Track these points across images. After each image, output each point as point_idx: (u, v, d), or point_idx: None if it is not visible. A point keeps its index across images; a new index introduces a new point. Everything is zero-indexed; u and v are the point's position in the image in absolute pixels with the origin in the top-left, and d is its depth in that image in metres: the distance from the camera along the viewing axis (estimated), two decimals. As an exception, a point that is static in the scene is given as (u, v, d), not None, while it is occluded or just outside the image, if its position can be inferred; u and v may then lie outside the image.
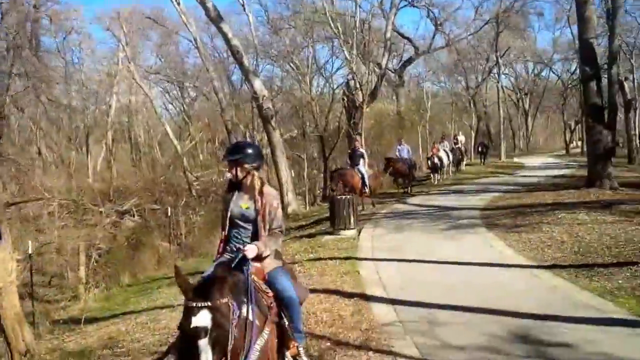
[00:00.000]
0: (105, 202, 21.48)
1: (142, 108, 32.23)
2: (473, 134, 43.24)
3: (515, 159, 42.73)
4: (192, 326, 3.38)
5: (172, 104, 37.69)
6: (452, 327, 7.30)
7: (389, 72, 36.94)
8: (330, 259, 12.10)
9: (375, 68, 29.83)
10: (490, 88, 53.13)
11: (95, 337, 9.26)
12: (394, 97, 42.61)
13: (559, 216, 14.83)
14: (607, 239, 11.92)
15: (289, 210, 21.89)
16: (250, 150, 4.76)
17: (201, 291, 3.50)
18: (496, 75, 48.34)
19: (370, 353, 6.54)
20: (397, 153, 24.51)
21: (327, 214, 16.88)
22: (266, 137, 23.73)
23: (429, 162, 27.75)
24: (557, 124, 67.94)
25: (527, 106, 62.18)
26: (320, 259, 12.22)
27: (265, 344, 4.01)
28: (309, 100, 28.27)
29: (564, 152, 52.80)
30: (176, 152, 29.21)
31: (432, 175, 27.76)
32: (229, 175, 4.77)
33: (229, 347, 3.47)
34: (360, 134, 25.05)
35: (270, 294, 4.47)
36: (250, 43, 28.17)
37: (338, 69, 38.23)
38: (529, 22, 50.97)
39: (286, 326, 4.53)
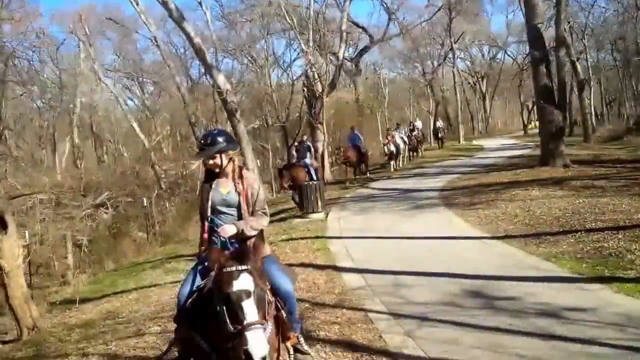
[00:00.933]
0: (79, 197, 22.38)
1: (105, 105, 32.87)
2: (432, 119, 44.45)
3: (474, 142, 44.21)
4: (235, 289, 3.62)
5: (132, 100, 38.39)
6: (414, 289, 8.46)
7: (346, 61, 37.96)
8: (302, 238, 13.30)
9: (332, 58, 30.82)
10: (447, 72, 54.52)
11: (94, 312, 10.26)
12: (352, 86, 43.69)
13: (513, 193, 16.20)
14: (556, 211, 13.23)
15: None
16: (228, 137, 4.86)
17: (238, 256, 3.81)
18: (452, 60, 49.81)
19: (344, 310, 7.70)
20: (349, 141, 25.28)
21: (292, 201, 18.36)
22: (230, 129, 24.67)
23: (385, 149, 28.49)
24: (515, 105, 69.80)
25: (484, 89, 63.83)
26: (292, 239, 13.39)
27: (270, 334, 4.03)
28: (269, 91, 29.25)
29: (522, 133, 54.49)
30: (143, 147, 30.08)
31: (389, 163, 28.56)
32: (211, 162, 4.74)
33: (267, 309, 3.80)
34: (321, 123, 26.18)
35: (268, 286, 4.33)
36: (208, 38, 28.97)
37: (295, 59, 39.22)
38: (482, 6, 52.41)
39: (284, 318, 4.55)
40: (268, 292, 3.87)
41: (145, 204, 21.83)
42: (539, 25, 22.17)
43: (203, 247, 4.78)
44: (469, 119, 62.61)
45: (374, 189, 21.43)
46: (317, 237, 13.27)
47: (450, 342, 6.26)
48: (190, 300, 4.40)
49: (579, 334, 6.19)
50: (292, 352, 4.73)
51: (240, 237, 4.58)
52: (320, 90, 25.89)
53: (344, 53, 30.77)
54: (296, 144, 21.43)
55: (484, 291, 8.07)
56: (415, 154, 33.51)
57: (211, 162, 4.72)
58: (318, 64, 26.74)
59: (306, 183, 16.84)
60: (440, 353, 6.04)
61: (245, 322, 3.56)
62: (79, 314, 10.68)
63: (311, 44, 26.64)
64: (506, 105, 78.00)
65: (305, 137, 21.46)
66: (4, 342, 10.26)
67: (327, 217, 16.06)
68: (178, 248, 16.25)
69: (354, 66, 41.19)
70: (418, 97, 52.77)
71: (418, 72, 52.34)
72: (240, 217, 4.70)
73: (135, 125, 30.12)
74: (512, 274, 8.84)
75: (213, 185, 4.76)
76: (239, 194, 4.72)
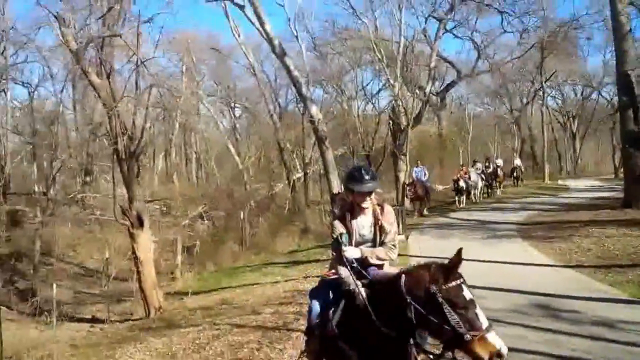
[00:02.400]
0: (180, 207, 25.23)
1: (199, 126, 35.70)
2: (516, 156, 44.90)
3: (560, 182, 44.33)
4: (469, 298, 4.06)
5: (222, 123, 41.19)
6: (488, 300, 9.94)
7: (431, 95, 39.33)
8: (384, 258, 15.07)
9: (418, 92, 32.40)
10: (535, 110, 54.65)
11: (208, 300, 12.49)
12: (436, 119, 45.01)
13: (590, 230, 17.42)
14: (630, 248, 14.45)
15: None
16: (375, 176, 5.01)
17: (454, 271, 4.19)
18: (542, 97, 49.94)
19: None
20: (414, 175, 26.19)
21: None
22: (316, 155, 26.94)
23: (454, 184, 28.93)
24: (607, 147, 68.70)
25: (574, 129, 63.47)
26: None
27: None
28: (355, 122, 31.30)
29: (613, 175, 53.91)
30: (235, 167, 32.87)
31: (456, 198, 28.89)
32: (366, 199, 4.89)
33: None
34: (404, 154, 27.89)
35: None
36: (301, 68, 31.28)
37: (380, 90, 40.83)
38: (577, 46, 51.99)
39: None
40: None
41: (242, 217, 24.35)
42: (630, 72, 23.13)
43: (333, 271, 5.01)
44: (556, 158, 62.45)
45: (452, 218, 22.96)
46: (399, 255, 15.03)
47: (518, 338, 7.84)
48: (334, 316, 4.69)
49: (626, 338, 7.74)
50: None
51: (362, 263, 4.86)
52: (405, 123, 27.60)
53: (430, 88, 32.26)
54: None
55: (549, 304, 9.64)
56: (490, 190, 33.62)
57: (367, 198, 4.90)
58: (404, 98, 28.44)
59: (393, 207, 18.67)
60: (510, 344, 7.69)
61: (484, 327, 3.93)
62: (193, 301, 12.90)
63: (399, 77, 28.32)
64: (598, 146, 76.83)
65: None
66: (133, 320, 12.61)
67: (407, 239, 17.84)
68: (270, 257, 18.39)
69: (439, 100, 42.24)
70: (503, 134, 53.26)
71: (505, 108, 52.78)
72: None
73: (230, 146, 32.77)
74: (576, 294, 10.37)
75: (353, 224, 4.94)
76: (375, 230, 4.98)
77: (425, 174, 26.53)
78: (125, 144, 13.42)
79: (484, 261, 13.76)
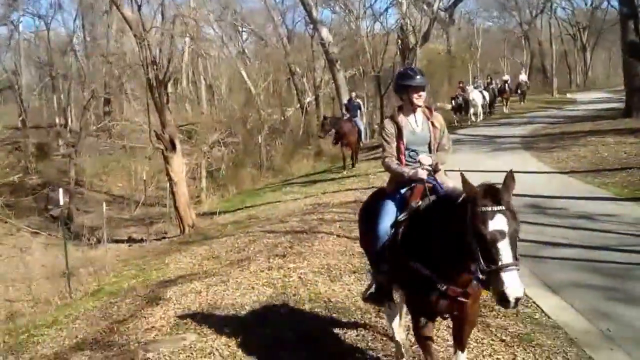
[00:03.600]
0: (199, 133, 26.92)
1: (207, 52, 36.42)
2: (522, 72, 45.63)
3: (568, 95, 45.38)
4: (490, 229, 3.66)
5: (230, 48, 41.99)
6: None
7: (440, 11, 39.91)
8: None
9: (426, 9, 33.16)
10: (545, 23, 54.93)
11: (236, 216, 14.26)
12: (445, 36, 45.79)
13: (589, 140, 19.02)
14: (622, 154, 16.09)
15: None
16: (424, 74, 5.07)
17: (496, 196, 3.76)
18: (551, 9, 50.19)
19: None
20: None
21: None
22: (326, 77, 28.26)
23: (453, 102, 29.26)
24: (619, 58, 68.87)
25: (584, 40, 63.81)
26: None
27: None
28: (364, 41, 32.38)
29: (623, 87, 54.51)
30: (247, 92, 34.25)
31: (453, 115, 29.12)
32: (419, 96, 4.92)
33: (517, 250, 3.71)
34: (414, 73, 29.09)
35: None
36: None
37: (387, 8, 41.27)
38: None
39: None
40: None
41: (258, 142, 26.03)
42: (631, -19, 23.98)
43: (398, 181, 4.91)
44: (566, 72, 63.13)
45: (459, 134, 24.40)
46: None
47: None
48: (399, 230, 4.59)
49: (600, 227, 9.37)
50: None
51: (433, 170, 4.88)
52: (413, 42, 28.71)
53: (438, 4, 32.96)
54: (345, 101, 21.63)
55: (539, 204, 11.22)
56: (491, 109, 33.47)
57: (420, 94, 4.93)
58: (412, 16, 29.35)
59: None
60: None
61: (500, 263, 3.62)
62: (223, 219, 14.69)
63: None
64: (610, 57, 77.19)
65: (354, 95, 21.60)
66: (169, 237, 14.44)
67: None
68: (288, 178, 20.12)
69: (447, 17, 42.91)
70: (513, 49, 53.84)
71: (515, 21, 53.06)
72: (430, 154, 4.98)
73: (243, 71, 34.04)
74: (565, 194, 11.98)
75: (403, 123, 4.95)
76: (429, 132, 4.99)
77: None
78: (156, 73, 14.86)
79: (486, 171, 15.28)
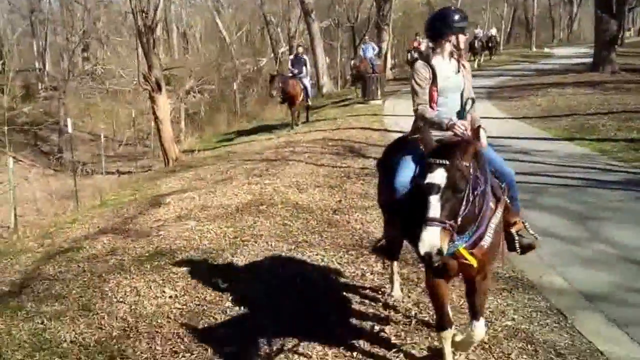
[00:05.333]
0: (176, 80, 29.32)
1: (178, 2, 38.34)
2: (492, 26, 47.07)
3: (546, 49, 47.75)
4: (426, 181, 3.76)
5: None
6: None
7: None
8: (362, 115, 19.38)
9: None
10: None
11: (216, 153, 16.77)
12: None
13: (549, 90, 21.73)
14: (573, 103, 18.81)
15: (324, 90, 29.30)
16: (466, 17, 4.99)
17: (442, 150, 3.85)
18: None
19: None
20: (362, 53, 25.28)
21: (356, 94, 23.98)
22: (301, 28, 30.43)
23: (409, 55, 29.87)
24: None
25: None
26: (355, 115, 19.55)
27: (499, 223, 4.32)
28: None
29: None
30: (221, 42, 36.52)
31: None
32: (463, 44, 4.96)
33: (461, 212, 3.77)
34: (388, 25, 31.55)
35: (481, 187, 4.28)
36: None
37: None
38: None
39: (507, 203, 4.69)
40: (471, 196, 3.85)
41: (234, 89, 28.42)
42: None
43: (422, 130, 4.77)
44: (550, 26, 65.36)
45: None
46: (374, 114, 19.37)
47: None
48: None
49: (533, 159, 11.95)
50: (516, 237, 4.92)
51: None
52: (389, -7, 30.97)
53: None
54: (291, 57, 21.13)
55: (494, 145, 13.81)
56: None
57: (463, 37, 4.94)
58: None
59: (369, 75, 22.65)
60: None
61: (426, 216, 3.69)
62: (202, 155, 17.22)
63: None
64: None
65: (301, 50, 21.14)
66: (154, 170, 16.94)
67: (384, 103, 22.05)
68: (260, 126, 22.61)
69: None
70: (496, 1, 55.55)
71: None
72: (461, 102, 4.90)
73: (218, 20, 36.16)
74: (511, 135, 14.55)
75: (437, 68, 4.85)
76: (463, 77, 4.92)
77: (374, 49, 25.52)
78: (144, 20, 17.20)
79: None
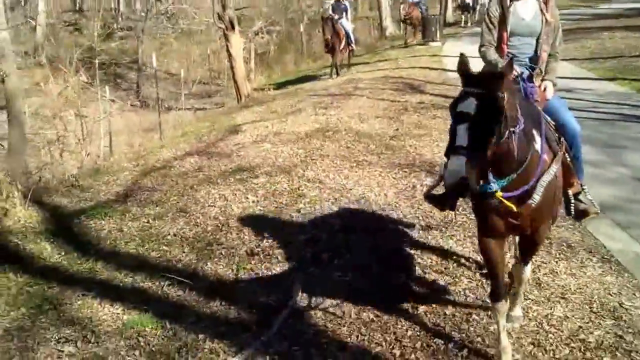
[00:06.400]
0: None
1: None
2: None
3: (606, -5, 46.93)
4: (456, 109, 3.53)
5: None
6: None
7: None
8: (422, 56, 20.22)
9: None
10: None
11: (284, 90, 17.94)
12: None
13: (601, 34, 22.01)
14: (621, 45, 19.20)
15: (387, 32, 30.00)
16: None
17: (475, 79, 3.60)
18: None
19: (446, 86, 14.55)
20: None
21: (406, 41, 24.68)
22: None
23: (459, 0, 30.44)
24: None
25: None
26: (415, 56, 20.36)
27: (552, 180, 3.99)
28: None
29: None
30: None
31: (462, 16, 30.36)
32: None
33: (492, 143, 3.45)
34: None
35: (553, 125, 4.40)
36: None
37: None
38: None
39: (567, 162, 4.46)
40: (504, 127, 3.49)
41: (300, 30, 29.45)
42: None
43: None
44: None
45: (465, 33, 27.28)
46: (433, 55, 20.18)
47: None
48: None
49: (575, 96, 12.65)
50: (573, 200, 4.71)
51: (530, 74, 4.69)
52: None
53: None
54: (332, 2, 19.87)
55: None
56: None
57: None
58: None
59: (425, 16, 23.20)
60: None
61: (454, 145, 3.49)
62: (272, 92, 18.44)
63: None
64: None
65: None
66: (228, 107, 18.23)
67: (443, 45, 22.76)
68: (325, 64, 23.59)
69: None
70: None
71: None
72: (536, 49, 4.70)
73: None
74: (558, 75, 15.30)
75: (511, 8, 4.66)
76: (541, 23, 4.65)
77: None
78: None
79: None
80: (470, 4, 29.37)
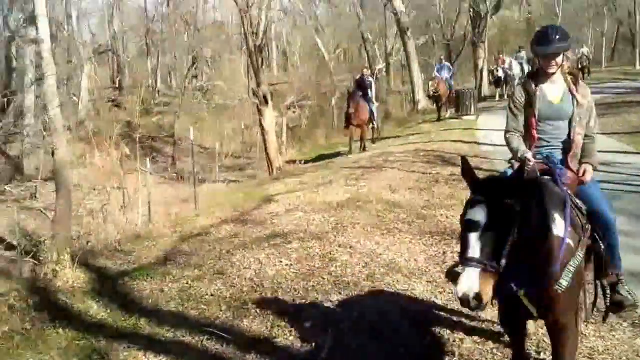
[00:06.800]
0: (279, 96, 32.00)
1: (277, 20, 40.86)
2: (584, 45, 45.71)
3: (650, 67, 47.51)
4: (465, 218, 3.58)
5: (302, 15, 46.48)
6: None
7: None
8: (455, 129, 20.99)
9: None
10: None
11: (316, 163, 18.74)
12: (525, 3, 48.69)
13: (641, 108, 22.60)
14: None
15: (419, 107, 31.02)
16: (564, 35, 4.63)
17: (486, 185, 3.68)
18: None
19: (480, 159, 15.16)
20: (437, 73, 25.67)
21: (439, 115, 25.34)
22: (398, 45, 32.30)
23: (490, 75, 30.57)
24: None
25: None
26: (447, 130, 21.13)
27: (579, 265, 4.00)
28: (436, 9, 36.46)
29: None
30: (320, 59, 38.99)
31: (496, 90, 30.60)
32: (550, 69, 4.67)
33: (505, 253, 3.47)
34: (483, 42, 32.96)
35: (584, 211, 4.40)
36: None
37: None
38: None
39: (601, 250, 4.49)
40: (517, 233, 3.52)
41: (332, 104, 30.70)
42: None
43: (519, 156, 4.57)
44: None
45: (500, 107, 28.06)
46: (467, 129, 20.94)
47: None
48: None
49: (613, 170, 13.05)
50: (608, 291, 4.69)
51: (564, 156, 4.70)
52: (484, 11, 32.44)
53: None
54: (357, 77, 20.56)
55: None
56: None
57: (552, 62, 4.64)
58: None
59: (459, 91, 24.13)
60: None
61: (464, 256, 3.54)
62: (303, 165, 19.25)
63: None
64: None
65: (366, 72, 21.05)
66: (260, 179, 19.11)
67: (477, 118, 23.55)
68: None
69: None
70: (597, 17, 55.02)
71: None
72: (569, 133, 4.70)
73: (317, 39, 38.54)
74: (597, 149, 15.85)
75: (538, 92, 4.70)
76: (572, 105, 4.67)
77: (450, 70, 26.37)
78: (254, 40, 19.54)
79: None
80: (502, 78, 29.66)
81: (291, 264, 8.45)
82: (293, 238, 9.50)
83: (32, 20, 25.42)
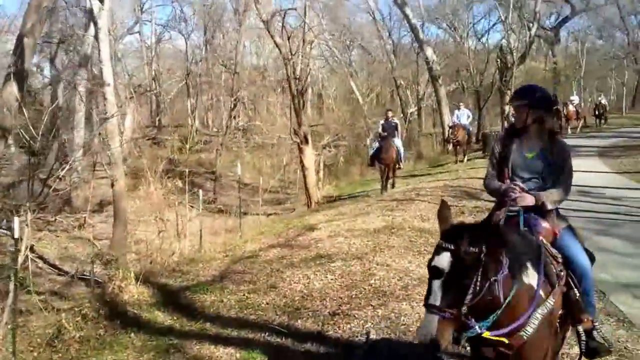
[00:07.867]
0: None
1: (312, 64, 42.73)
2: (601, 94, 44.83)
3: (669, 115, 48.06)
4: (431, 264, 3.65)
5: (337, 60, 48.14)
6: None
7: (546, 30, 43.89)
8: (481, 167, 21.72)
9: (531, 25, 37.06)
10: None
11: (352, 197, 19.81)
12: (550, 54, 49.67)
13: (658, 152, 23.46)
14: (678, 163, 20.66)
15: (449, 147, 32.07)
16: (539, 94, 4.83)
17: (451, 233, 3.71)
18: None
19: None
20: (455, 119, 26.28)
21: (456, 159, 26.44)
22: (429, 90, 33.66)
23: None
24: None
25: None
26: (473, 168, 22.23)
27: (548, 313, 4.07)
28: (467, 58, 37.79)
29: None
30: (354, 102, 40.47)
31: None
32: (516, 121, 4.91)
33: (467, 301, 3.56)
34: (510, 89, 33.86)
35: (560, 259, 4.47)
36: (415, 9, 37.77)
37: (489, 29, 45.23)
38: None
39: (576, 298, 4.51)
40: (480, 281, 3.60)
41: (366, 144, 31.96)
42: None
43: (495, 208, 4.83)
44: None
45: None
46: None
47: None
48: None
49: (621, 203, 14.20)
50: (584, 337, 4.68)
51: (538, 209, 4.64)
52: (511, 61, 33.49)
53: (536, 30, 36.48)
54: (382, 121, 20.57)
55: (587, 191, 15.95)
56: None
57: (519, 114, 4.83)
58: (514, 36, 33.94)
59: (489, 132, 25.12)
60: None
61: (426, 302, 3.63)
62: (340, 201, 20.37)
63: (510, 15, 33.54)
64: None
65: (390, 114, 20.85)
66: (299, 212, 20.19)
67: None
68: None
69: (553, 35, 46.38)
70: (618, 68, 55.58)
71: (624, 40, 54.92)
72: (541, 186, 4.75)
73: (352, 83, 39.96)
74: (608, 185, 16.75)
75: (514, 145, 4.84)
76: (545, 161, 4.76)
77: (468, 117, 26.69)
78: (297, 85, 20.94)
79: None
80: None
81: (335, 278, 9.54)
82: (336, 258, 10.60)
83: (85, 62, 27.25)
